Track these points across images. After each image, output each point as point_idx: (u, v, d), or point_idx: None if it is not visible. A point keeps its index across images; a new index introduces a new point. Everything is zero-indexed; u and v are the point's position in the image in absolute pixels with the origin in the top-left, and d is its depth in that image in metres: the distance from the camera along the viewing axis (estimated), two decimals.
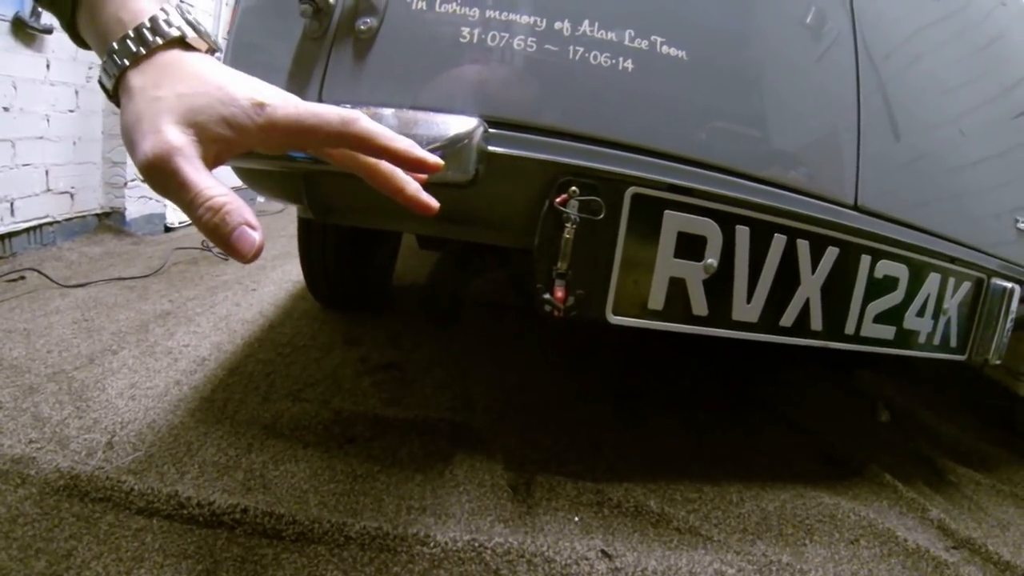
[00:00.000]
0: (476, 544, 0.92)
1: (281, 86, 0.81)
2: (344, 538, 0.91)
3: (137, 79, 0.46)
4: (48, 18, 2.44)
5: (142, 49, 0.46)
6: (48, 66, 2.55)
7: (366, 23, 0.82)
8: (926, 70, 1.13)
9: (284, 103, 0.47)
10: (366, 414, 1.29)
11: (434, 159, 0.55)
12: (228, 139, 0.46)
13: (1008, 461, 1.65)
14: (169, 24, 0.47)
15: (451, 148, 0.75)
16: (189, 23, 0.48)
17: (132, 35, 0.46)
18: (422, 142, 0.74)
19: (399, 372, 1.54)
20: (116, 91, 0.48)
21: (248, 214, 0.45)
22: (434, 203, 0.58)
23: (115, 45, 0.46)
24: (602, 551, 0.94)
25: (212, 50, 0.50)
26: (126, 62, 0.46)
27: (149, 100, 0.45)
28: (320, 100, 0.82)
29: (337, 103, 0.79)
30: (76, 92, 2.75)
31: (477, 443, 1.22)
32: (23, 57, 2.42)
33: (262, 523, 0.92)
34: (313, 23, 0.82)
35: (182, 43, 0.48)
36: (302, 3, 0.80)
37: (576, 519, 1.04)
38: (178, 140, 0.44)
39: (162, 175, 0.44)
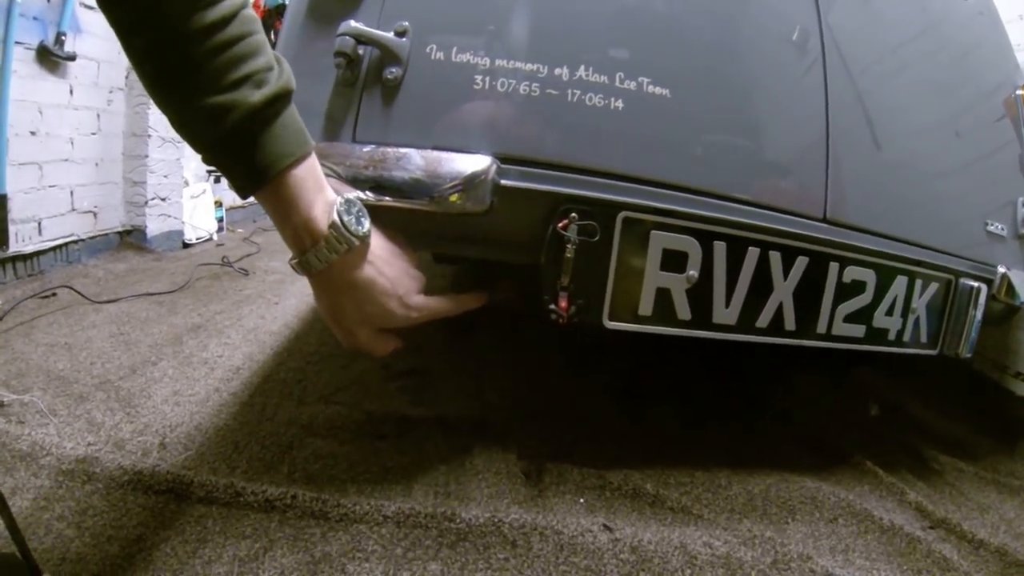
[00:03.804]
0: (496, 520, 1.02)
1: (319, 128, 0.94)
2: (382, 517, 1.02)
3: (323, 286, 0.78)
4: (71, 45, 2.53)
5: (326, 261, 0.72)
6: (71, 91, 2.64)
7: (392, 72, 0.93)
8: (903, 83, 1.21)
9: (424, 306, 0.86)
10: (393, 414, 1.38)
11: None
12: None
13: (995, 451, 1.68)
14: (340, 241, 0.72)
15: (469, 183, 0.87)
16: (352, 233, 0.73)
17: (313, 251, 0.72)
18: (444, 179, 0.87)
19: (421, 377, 1.63)
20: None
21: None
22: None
23: (309, 256, 0.72)
24: (604, 525, 1.05)
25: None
26: (317, 265, 0.73)
27: (335, 311, 0.79)
28: (354, 140, 0.94)
29: (368, 143, 0.92)
30: (98, 115, 2.84)
31: (493, 437, 1.31)
32: (48, 83, 2.51)
33: (310, 507, 1.03)
34: (346, 72, 0.93)
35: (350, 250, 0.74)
36: (336, 56, 0.91)
37: (581, 500, 1.14)
38: (366, 341, 0.83)
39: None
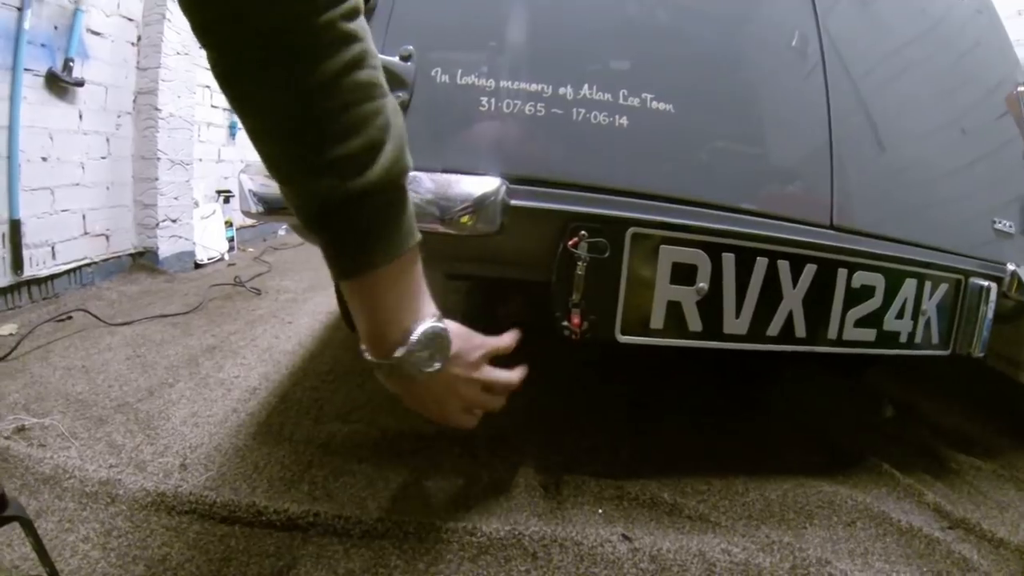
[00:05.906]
0: (516, 533, 1.04)
1: None
2: (404, 533, 1.03)
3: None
4: (79, 71, 2.56)
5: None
6: (81, 117, 2.67)
7: (398, 96, 0.94)
8: (904, 85, 1.21)
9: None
10: (410, 431, 1.38)
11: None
12: None
13: (1012, 448, 1.66)
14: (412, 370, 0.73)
15: (480, 205, 0.88)
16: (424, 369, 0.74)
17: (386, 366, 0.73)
18: (455, 202, 0.88)
19: None
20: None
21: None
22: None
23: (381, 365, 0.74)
24: (623, 535, 1.06)
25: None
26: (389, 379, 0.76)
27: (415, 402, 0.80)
28: None
29: None
30: (107, 140, 2.87)
31: (510, 451, 1.31)
32: (57, 109, 2.53)
33: (332, 524, 1.04)
34: None
35: None
36: None
37: (599, 511, 1.15)
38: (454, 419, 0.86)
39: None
